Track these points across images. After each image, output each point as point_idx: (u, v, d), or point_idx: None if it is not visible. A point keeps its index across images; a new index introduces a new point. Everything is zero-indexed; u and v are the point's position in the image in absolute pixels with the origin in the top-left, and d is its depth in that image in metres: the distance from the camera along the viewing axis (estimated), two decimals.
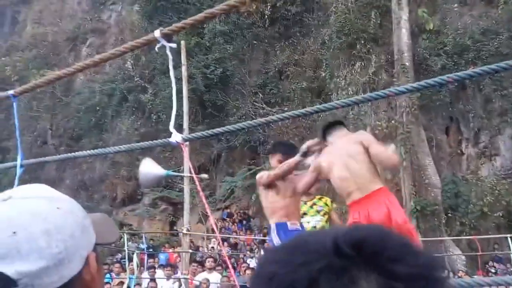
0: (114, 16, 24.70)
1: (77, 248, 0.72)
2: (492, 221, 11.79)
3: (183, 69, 11.23)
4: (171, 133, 2.56)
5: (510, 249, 8.11)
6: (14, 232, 0.67)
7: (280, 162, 3.87)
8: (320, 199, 4.98)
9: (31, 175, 17.29)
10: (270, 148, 4.64)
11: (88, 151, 3.59)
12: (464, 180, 13.14)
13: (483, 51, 13.01)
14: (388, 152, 3.37)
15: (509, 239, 7.98)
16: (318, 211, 4.92)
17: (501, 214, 11.79)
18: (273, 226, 3.84)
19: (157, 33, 2.51)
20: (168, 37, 2.61)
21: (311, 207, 4.90)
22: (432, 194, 12.36)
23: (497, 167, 13.08)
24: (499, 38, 12.99)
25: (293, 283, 0.44)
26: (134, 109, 19.57)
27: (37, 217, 0.70)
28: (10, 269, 0.65)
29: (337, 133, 3.60)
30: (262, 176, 3.89)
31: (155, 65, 19.16)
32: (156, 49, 2.61)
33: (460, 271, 10.10)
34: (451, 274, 9.98)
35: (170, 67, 2.77)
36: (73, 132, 21.59)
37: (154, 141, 3.07)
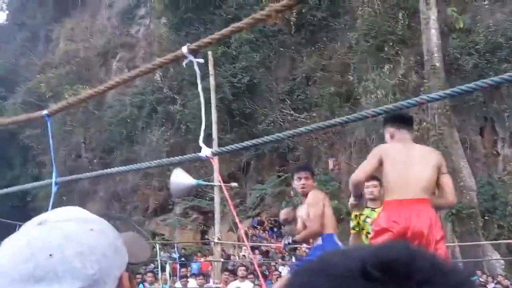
0: (143, 30, 25.25)
1: (110, 268, 0.74)
2: None
3: (211, 79, 11.35)
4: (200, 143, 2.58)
5: None
6: (51, 255, 0.70)
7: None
8: (373, 210, 4.64)
9: (66, 188, 17.76)
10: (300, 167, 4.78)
11: (119, 167, 3.63)
12: (501, 182, 12.70)
13: None
14: (452, 189, 3.29)
15: None
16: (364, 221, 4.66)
17: None
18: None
19: (184, 49, 2.55)
20: (195, 52, 2.65)
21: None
22: (468, 197, 11.98)
23: None
24: None
25: None
26: (163, 120, 19.86)
27: (71, 240, 0.72)
28: None
29: (407, 134, 3.40)
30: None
31: (183, 77, 19.42)
32: (184, 65, 2.65)
33: (500, 276, 9.73)
34: (490, 279, 9.63)
35: (198, 82, 2.81)
36: (105, 145, 22.07)
37: (184, 156, 3.09)
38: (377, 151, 3.31)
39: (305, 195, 4.20)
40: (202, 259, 13.90)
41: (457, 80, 13.43)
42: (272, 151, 17.27)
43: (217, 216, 10.32)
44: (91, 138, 23.17)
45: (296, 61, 18.41)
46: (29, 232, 0.73)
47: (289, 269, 12.38)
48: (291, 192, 16.25)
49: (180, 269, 12.35)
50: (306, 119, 17.02)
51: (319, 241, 4.03)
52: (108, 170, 3.93)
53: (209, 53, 11.92)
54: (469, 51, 13.34)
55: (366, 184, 4.10)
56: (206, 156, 2.65)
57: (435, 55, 13.48)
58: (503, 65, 12.38)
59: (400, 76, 14.56)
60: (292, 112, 17.53)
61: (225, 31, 2.56)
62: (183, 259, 13.62)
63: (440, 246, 3.18)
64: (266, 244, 14.13)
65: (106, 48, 25.22)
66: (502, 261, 10.51)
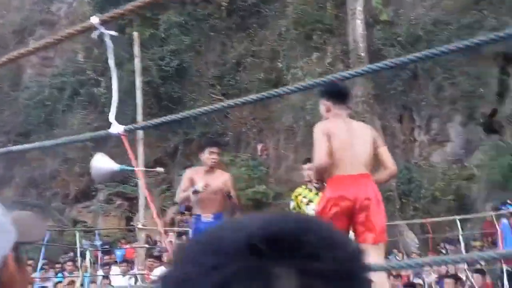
0: (65, 7, 23.79)
1: None
2: (443, 204, 12.18)
3: (136, 61, 10.92)
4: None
5: (459, 231, 8.37)
6: None
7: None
8: (317, 193, 4.90)
9: None
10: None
11: (22, 145, 3.38)
12: (417, 166, 13.50)
13: (435, 41, 13.32)
14: (391, 159, 3.43)
15: (457, 221, 8.24)
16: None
17: (452, 198, 12.19)
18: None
19: (94, 20, 2.35)
20: (107, 24, 2.46)
21: (317, 194, 4.89)
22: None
23: (447, 153, 13.51)
24: (449, 28, 13.36)
25: None
26: (86, 103, 18.93)
27: None
28: None
29: (343, 109, 3.43)
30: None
31: (107, 58, 18.58)
32: (95, 36, 2.44)
33: (414, 253, 10.38)
34: (405, 257, 10.24)
35: (110, 56, 2.63)
36: (21, 128, 20.64)
37: (94, 133, 2.92)
38: (321, 130, 3.32)
39: (212, 168, 4.35)
40: (126, 246, 13.52)
41: (380, 70, 14.03)
42: (201, 137, 17.08)
43: (141, 202, 10.06)
44: (5, 120, 21.57)
45: (226, 46, 18.26)
46: None
47: None
48: None
49: (104, 256, 11.96)
50: (233, 108, 17.01)
51: (211, 218, 4.32)
52: (8, 148, 3.66)
53: (135, 34, 11.46)
54: (392, 42, 13.96)
55: (303, 166, 4.20)
56: (118, 133, 2.51)
57: (360, 45, 13.97)
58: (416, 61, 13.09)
59: (327, 65, 14.95)
60: (221, 97, 17.39)
61: (141, 2, 2.38)
62: (106, 246, 13.16)
63: (382, 217, 3.33)
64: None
65: (24, 25, 23.49)
66: (416, 240, 11.23)
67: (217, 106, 3.25)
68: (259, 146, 16.29)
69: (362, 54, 13.85)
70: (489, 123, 13.32)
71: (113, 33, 2.42)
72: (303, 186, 4.81)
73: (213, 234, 0.45)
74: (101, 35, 2.41)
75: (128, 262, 10.83)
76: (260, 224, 0.44)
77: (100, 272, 10.38)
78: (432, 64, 13.36)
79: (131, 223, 16.35)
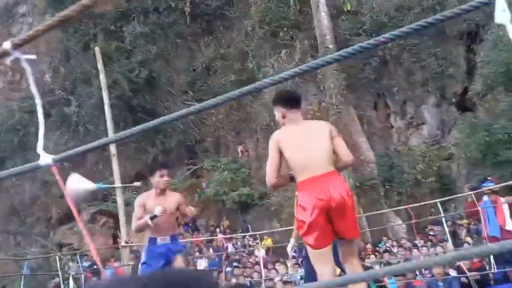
0: (26, 28, 23.24)
1: None
2: (426, 187, 12.31)
3: (101, 76, 10.66)
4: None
5: (441, 213, 8.45)
6: None
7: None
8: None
9: None
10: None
11: None
12: (396, 152, 13.63)
13: (399, 26, 13.26)
14: (346, 148, 3.48)
15: (438, 204, 8.31)
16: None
17: (433, 180, 12.33)
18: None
19: (7, 45, 2.22)
20: (21, 47, 2.35)
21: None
22: (369, 169, 12.69)
23: (425, 136, 13.67)
24: (412, 12, 13.50)
25: None
26: (58, 123, 18.56)
27: None
28: None
29: (297, 113, 3.53)
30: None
31: (75, 75, 18.26)
32: (9, 62, 2.32)
33: (403, 239, 10.45)
34: (395, 243, 10.31)
35: (30, 81, 2.49)
36: None
37: (20, 167, 2.79)
38: (273, 143, 3.37)
39: (164, 190, 4.59)
40: (116, 264, 13.29)
41: (349, 60, 14.09)
42: (179, 145, 16.94)
43: (121, 218, 9.90)
44: None
45: (194, 51, 18.14)
46: None
47: (206, 260, 12.27)
48: (203, 184, 16.08)
49: (92, 278, 11.71)
50: (211, 109, 16.89)
51: (168, 240, 4.58)
52: None
53: (96, 49, 11.21)
54: (358, 31, 14.04)
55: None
56: (47, 164, 2.40)
57: (327, 37, 14.01)
58: (389, 44, 13.19)
59: (297, 60, 14.94)
60: (195, 103, 17.26)
61: (52, 21, 2.29)
62: (94, 266, 12.91)
63: (354, 213, 3.37)
64: (182, 240, 13.85)
65: None
66: (404, 225, 11.31)
67: (202, 105, 3.19)
68: (239, 148, 16.23)
69: (330, 46, 13.90)
70: (461, 102, 13.52)
71: (30, 56, 2.31)
72: None
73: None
74: (16, 60, 2.29)
75: None
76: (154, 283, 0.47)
77: None
78: (400, 49, 13.50)
79: (118, 240, 16.11)
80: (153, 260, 4.49)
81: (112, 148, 9.56)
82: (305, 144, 3.32)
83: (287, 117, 3.48)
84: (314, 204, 3.19)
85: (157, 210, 4.38)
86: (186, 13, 17.74)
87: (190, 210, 4.75)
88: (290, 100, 3.55)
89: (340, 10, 14.85)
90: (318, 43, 14.25)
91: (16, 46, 2.31)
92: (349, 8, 14.64)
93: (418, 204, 9.07)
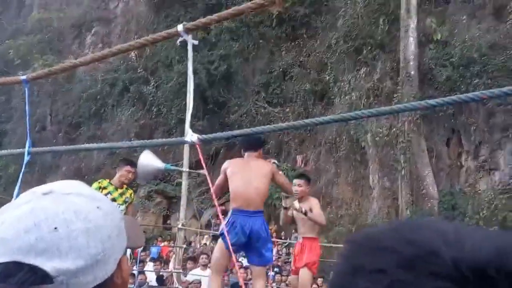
0: (122, 5, 24.59)
1: (113, 250, 0.71)
2: None
3: (189, 64, 11.14)
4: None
5: None
6: (55, 228, 0.66)
7: None
8: (127, 189, 5.78)
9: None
10: None
11: (98, 144, 3.54)
12: (462, 193, 13.09)
13: (490, 65, 12.93)
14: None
15: None
16: (125, 201, 5.69)
17: (496, 229, 11.74)
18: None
19: (180, 28, 2.45)
20: (191, 32, 2.56)
21: (121, 195, 5.66)
22: (429, 205, 12.32)
23: (495, 182, 13.01)
24: (506, 53, 12.92)
25: None
26: (135, 100, 19.49)
27: (78, 215, 0.69)
28: (49, 265, 0.64)
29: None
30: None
31: (159, 58, 19.07)
32: (178, 43, 2.55)
33: None
34: None
35: (189, 64, 2.70)
36: (72, 120, 21.49)
37: (168, 139, 3.05)
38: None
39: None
40: (163, 244, 13.80)
41: (429, 90, 13.72)
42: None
43: (183, 202, 10.24)
44: (58, 111, 22.49)
45: (274, 54, 18.38)
46: (32, 201, 0.69)
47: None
48: None
49: (140, 252, 12.26)
50: (279, 114, 17.05)
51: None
52: (87, 145, 3.82)
53: (189, 37, 11.72)
54: (444, 63, 13.63)
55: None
56: (192, 141, 2.57)
57: (411, 63, 13.73)
58: (475, 80, 12.70)
59: (375, 80, 14.76)
60: (266, 105, 17.52)
61: (225, 13, 2.48)
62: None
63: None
64: None
65: (81, 20, 24.46)
66: None
67: (300, 123, 3.70)
68: (299, 157, 16.27)
69: (412, 73, 13.61)
70: None
71: (195, 42, 2.51)
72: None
73: (422, 246, 0.38)
74: (183, 42, 2.50)
75: (161, 261, 11.09)
76: (464, 248, 0.37)
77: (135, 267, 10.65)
78: (485, 88, 12.96)
79: (168, 222, 16.69)
80: None
81: None
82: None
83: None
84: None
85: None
86: (273, 16, 18.00)
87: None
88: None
89: (429, 38, 14.47)
90: (400, 67, 13.99)
91: (187, 30, 2.53)
92: (439, 37, 14.24)
93: None
